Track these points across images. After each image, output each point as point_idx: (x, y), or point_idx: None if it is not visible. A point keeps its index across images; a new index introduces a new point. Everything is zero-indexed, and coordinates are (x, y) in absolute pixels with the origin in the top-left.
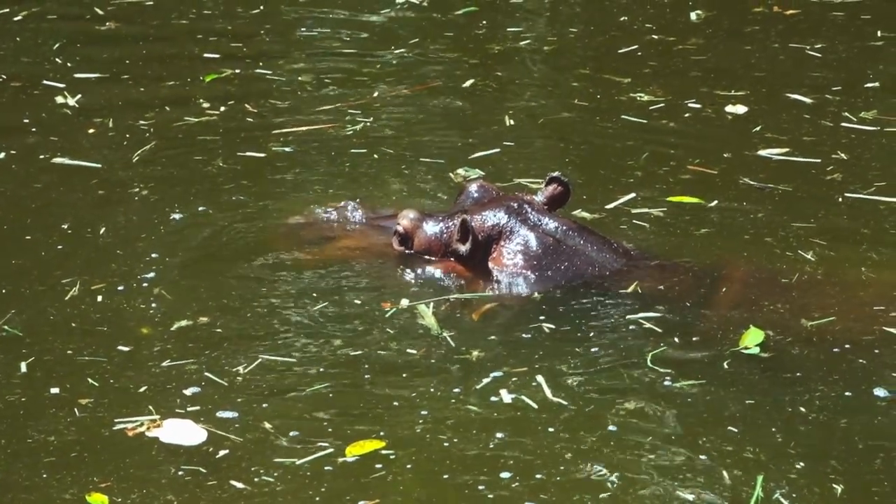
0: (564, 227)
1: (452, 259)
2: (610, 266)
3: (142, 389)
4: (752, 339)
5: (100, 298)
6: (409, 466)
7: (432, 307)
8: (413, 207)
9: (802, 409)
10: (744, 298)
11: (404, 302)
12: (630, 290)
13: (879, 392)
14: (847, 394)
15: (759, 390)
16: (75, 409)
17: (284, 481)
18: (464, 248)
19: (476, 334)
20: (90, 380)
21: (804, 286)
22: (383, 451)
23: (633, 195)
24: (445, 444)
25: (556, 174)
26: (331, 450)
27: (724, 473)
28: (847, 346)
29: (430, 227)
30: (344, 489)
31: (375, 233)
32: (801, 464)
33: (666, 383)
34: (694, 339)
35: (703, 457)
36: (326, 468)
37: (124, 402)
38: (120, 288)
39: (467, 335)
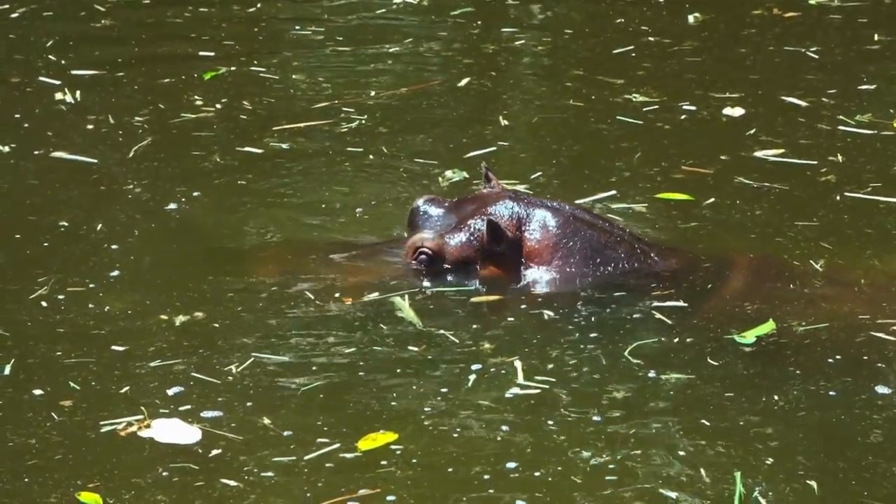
0: (567, 206)
1: (490, 265)
2: (624, 238)
3: (133, 388)
4: (759, 331)
5: (91, 296)
6: (414, 461)
7: (408, 299)
8: (419, 232)
9: (779, 404)
10: (748, 291)
11: (372, 296)
12: (638, 274)
13: (881, 389)
14: (831, 393)
15: (741, 385)
16: (56, 412)
17: (283, 477)
18: (500, 248)
19: (478, 327)
20: (74, 382)
21: (806, 280)
22: (378, 447)
23: (612, 192)
24: (448, 438)
25: (483, 165)
26: (335, 445)
27: (703, 471)
28: (841, 344)
29: (456, 238)
30: (343, 483)
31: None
32: (771, 459)
33: (651, 374)
34: (690, 329)
35: (681, 453)
36: (328, 464)
37: (113, 403)
38: (111, 285)
39: (466, 328)
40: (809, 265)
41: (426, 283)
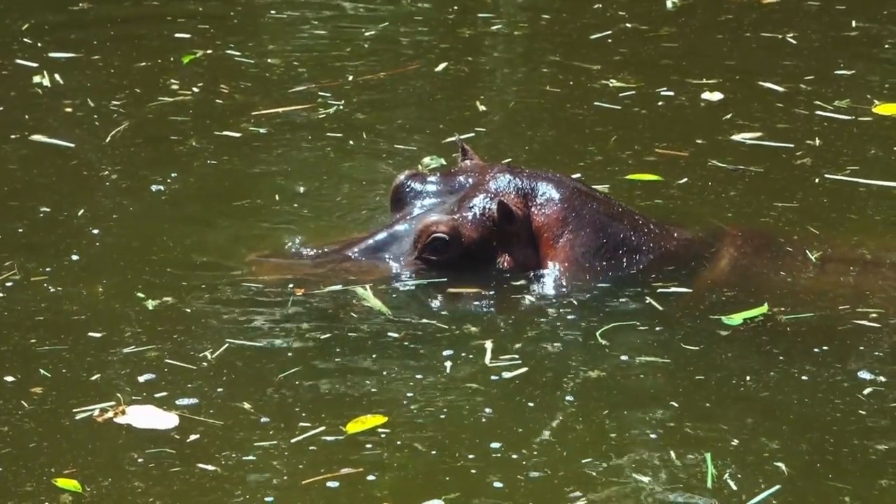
0: (565, 177)
1: (504, 250)
2: (625, 209)
3: (106, 375)
4: (749, 314)
5: (64, 281)
6: (398, 442)
7: (370, 288)
8: (425, 217)
9: (750, 386)
10: (738, 272)
11: (328, 288)
12: (642, 244)
13: (864, 375)
14: (803, 378)
15: (715, 368)
16: (28, 400)
17: (264, 460)
18: (512, 227)
19: (458, 312)
20: (45, 370)
21: (795, 264)
22: (365, 429)
23: (577, 175)
24: (430, 419)
25: (458, 138)
26: (318, 429)
27: (673, 453)
28: (821, 329)
29: (469, 215)
30: (325, 465)
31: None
32: (737, 441)
33: (624, 358)
34: (678, 311)
35: (653, 436)
36: (311, 447)
37: (85, 390)
38: (84, 270)
39: (445, 314)
40: (799, 249)
41: (436, 273)
